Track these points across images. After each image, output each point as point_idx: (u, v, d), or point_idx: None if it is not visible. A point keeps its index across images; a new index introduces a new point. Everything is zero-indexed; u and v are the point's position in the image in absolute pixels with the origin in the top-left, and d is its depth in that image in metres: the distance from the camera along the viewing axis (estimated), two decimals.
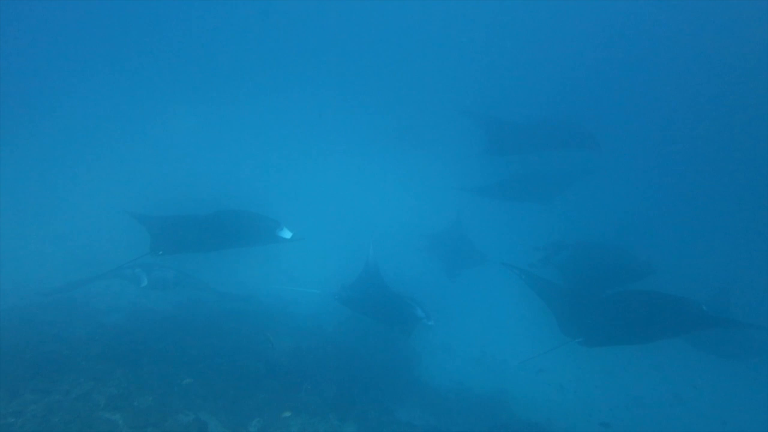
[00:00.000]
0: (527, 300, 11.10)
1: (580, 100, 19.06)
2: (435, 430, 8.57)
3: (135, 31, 22.87)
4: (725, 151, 17.27)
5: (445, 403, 9.82)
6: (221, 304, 10.97)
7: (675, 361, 12.11)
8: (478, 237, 14.81)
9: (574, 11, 19.57)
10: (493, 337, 13.09)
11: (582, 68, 20.18)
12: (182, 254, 8.15)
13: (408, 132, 21.00)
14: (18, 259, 12.17)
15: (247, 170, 19.32)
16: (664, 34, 18.59)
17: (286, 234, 7.77)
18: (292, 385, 8.01)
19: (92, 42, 22.59)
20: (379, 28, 22.76)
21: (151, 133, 20.89)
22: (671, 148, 18.34)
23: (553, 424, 9.95)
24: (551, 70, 20.66)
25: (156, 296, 10.70)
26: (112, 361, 7.22)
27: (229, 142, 21.52)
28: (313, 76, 23.78)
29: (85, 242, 13.69)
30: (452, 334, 12.71)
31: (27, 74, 22.02)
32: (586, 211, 16.48)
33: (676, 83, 18.47)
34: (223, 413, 6.91)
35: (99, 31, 22.49)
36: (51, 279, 11.10)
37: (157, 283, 10.15)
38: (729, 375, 11.82)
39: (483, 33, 21.47)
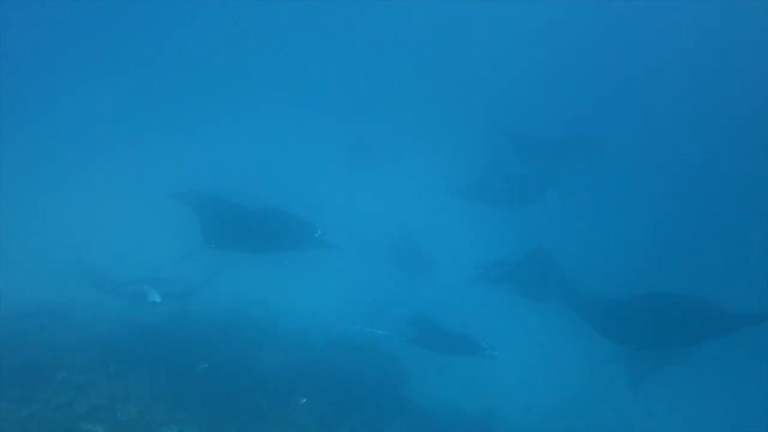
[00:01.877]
0: (519, 317, 11.12)
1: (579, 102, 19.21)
2: None
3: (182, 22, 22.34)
4: (721, 157, 17.27)
5: (433, 423, 9.67)
6: (209, 316, 10.77)
7: (656, 377, 12.05)
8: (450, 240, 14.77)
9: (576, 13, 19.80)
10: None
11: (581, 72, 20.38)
12: (232, 251, 8.43)
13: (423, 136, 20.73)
14: (6, 267, 11.87)
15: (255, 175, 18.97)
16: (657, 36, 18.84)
17: (317, 232, 7.99)
18: (281, 400, 7.85)
19: (115, 36, 22.22)
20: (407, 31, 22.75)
21: (155, 134, 20.73)
22: (666, 152, 18.28)
23: None
24: (550, 75, 20.82)
25: (144, 307, 10.49)
26: (96, 371, 7.05)
27: (229, 146, 21.35)
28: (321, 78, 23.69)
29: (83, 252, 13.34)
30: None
31: (30, 74, 21.66)
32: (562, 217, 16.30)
33: (674, 84, 18.64)
34: (208, 427, 6.73)
35: (128, 24, 22.12)
36: (42, 290, 10.84)
37: (170, 298, 9.99)
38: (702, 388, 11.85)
39: (489, 36, 21.58)
